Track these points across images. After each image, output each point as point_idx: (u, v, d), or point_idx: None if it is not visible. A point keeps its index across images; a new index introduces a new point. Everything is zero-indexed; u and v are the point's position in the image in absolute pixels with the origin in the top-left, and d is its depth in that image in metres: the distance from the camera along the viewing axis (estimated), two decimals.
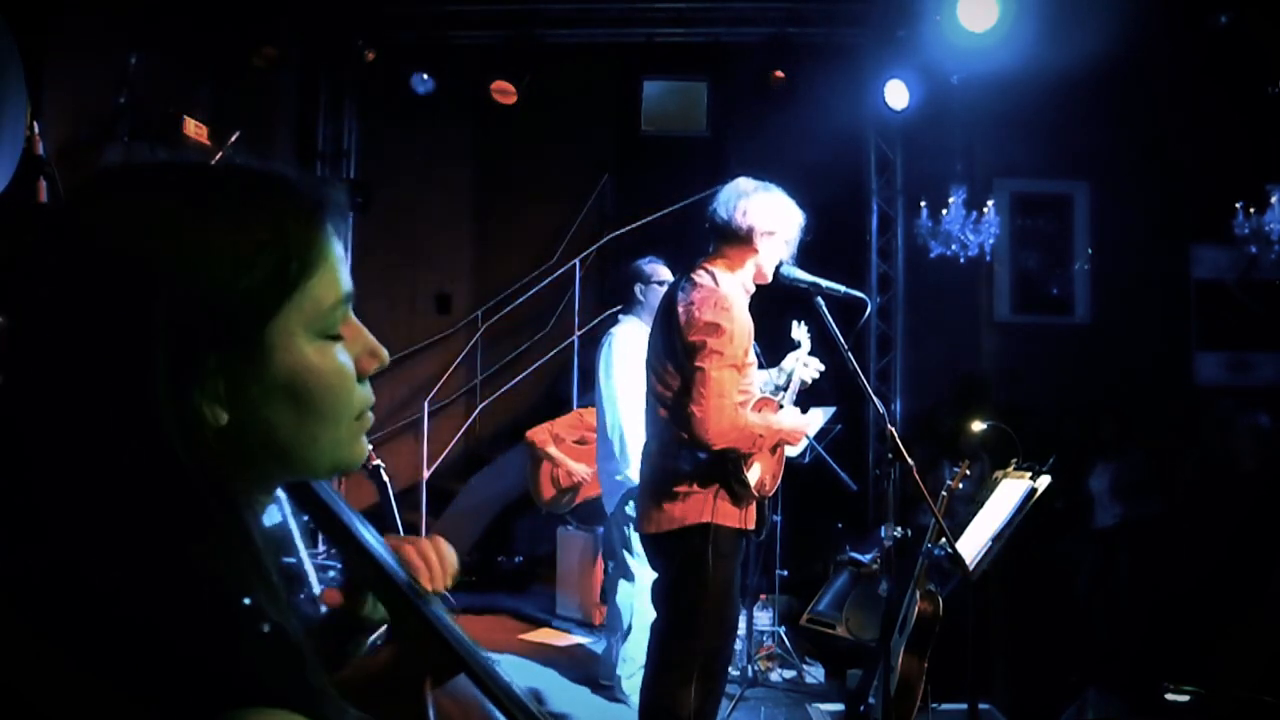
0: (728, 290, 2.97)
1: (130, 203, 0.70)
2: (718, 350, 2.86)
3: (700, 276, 3.01)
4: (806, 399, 3.40)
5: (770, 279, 3.10)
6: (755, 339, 3.09)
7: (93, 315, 0.67)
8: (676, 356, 2.97)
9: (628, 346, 4.25)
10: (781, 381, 3.29)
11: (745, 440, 2.91)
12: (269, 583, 0.68)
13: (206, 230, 0.69)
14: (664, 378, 3.04)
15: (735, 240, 3.04)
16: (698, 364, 2.87)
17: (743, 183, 3.11)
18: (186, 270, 0.67)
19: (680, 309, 2.96)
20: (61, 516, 0.65)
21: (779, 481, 3.19)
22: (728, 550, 2.99)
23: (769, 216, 3.03)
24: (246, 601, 0.65)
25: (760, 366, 3.37)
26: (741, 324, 2.95)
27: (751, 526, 3.07)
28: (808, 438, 3.68)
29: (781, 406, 3.14)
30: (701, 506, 2.94)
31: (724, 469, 2.95)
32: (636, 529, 3.28)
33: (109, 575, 0.63)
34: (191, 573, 0.64)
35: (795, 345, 3.39)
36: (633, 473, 4.43)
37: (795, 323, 3.37)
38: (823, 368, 3.34)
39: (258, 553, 0.69)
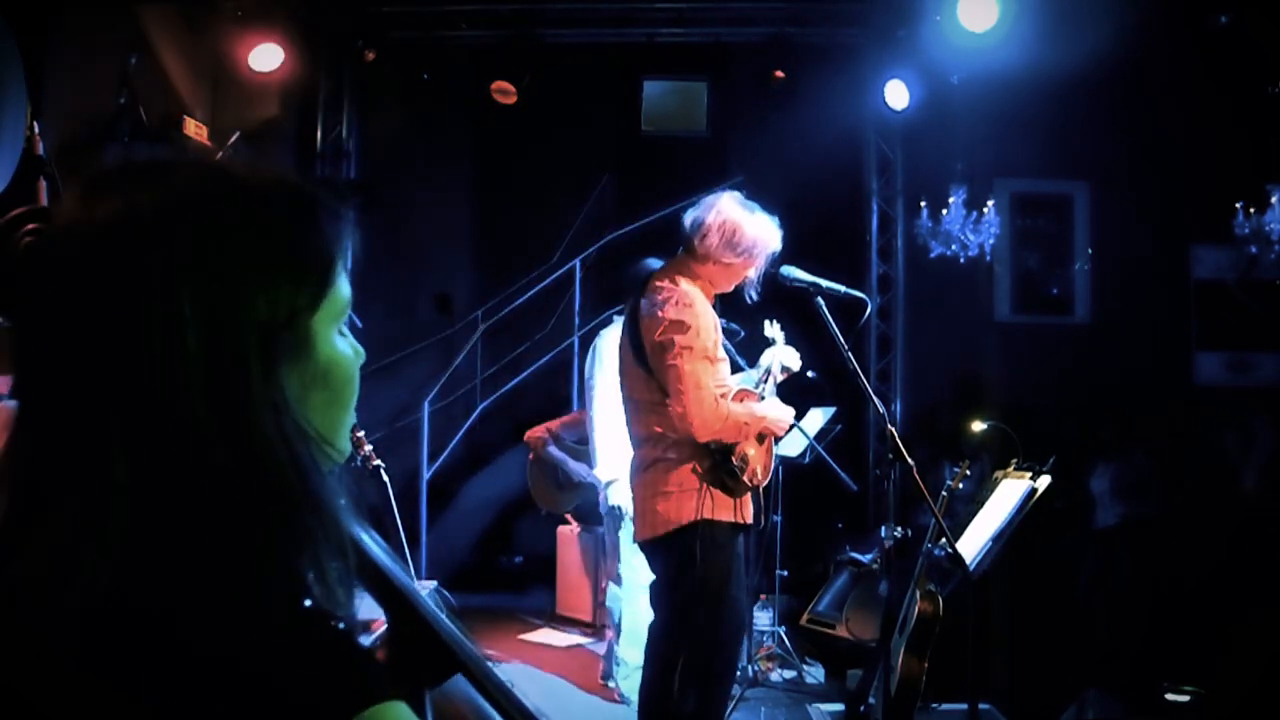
0: (687, 289, 3.04)
1: (198, 208, 0.72)
2: (687, 346, 2.92)
3: (661, 282, 3.08)
4: (807, 399, 3.40)
5: (728, 291, 3.15)
6: (743, 345, 3.12)
7: (164, 317, 0.68)
8: (646, 360, 3.02)
9: (614, 348, 4.31)
10: (761, 376, 3.30)
11: (731, 429, 2.94)
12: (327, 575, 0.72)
13: (272, 235, 0.74)
14: (636, 382, 3.09)
15: (691, 250, 3.10)
16: (670, 362, 2.92)
17: (724, 197, 3.13)
18: (259, 270, 0.72)
19: (644, 312, 3.04)
20: (136, 532, 0.66)
21: (770, 473, 3.20)
22: (722, 545, 3.00)
23: (731, 236, 3.04)
24: (307, 603, 0.69)
25: (742, 369, 3.40)
26: (705, 318, 3.01)
27: (747, 520, 3.08)
28: (800, 429, 3.69)
29: (763, 398, 3.16)
30: (692, 503, 2.96)
31: (713, 462, 2.97)
32: (634, 539, 3.29)
33: (182, 591, 0.65)
34: (265, 585, 0.67)
35: (771, 343, 3.40)
36: (600, 472, 4.54)
37: (767, 321, 3.38)
38: (798, 357, 3.34)
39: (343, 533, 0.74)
